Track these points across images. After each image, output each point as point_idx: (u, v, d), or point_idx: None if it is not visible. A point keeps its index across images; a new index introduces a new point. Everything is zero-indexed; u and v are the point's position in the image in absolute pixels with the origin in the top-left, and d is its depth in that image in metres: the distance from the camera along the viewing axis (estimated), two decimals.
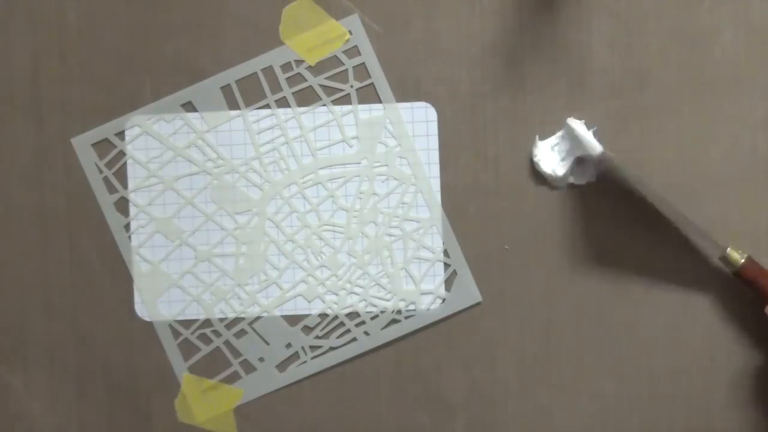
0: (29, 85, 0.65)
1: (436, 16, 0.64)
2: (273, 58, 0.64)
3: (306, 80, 0.65)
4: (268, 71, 0.65)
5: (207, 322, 0.65)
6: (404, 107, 0.64)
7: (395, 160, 0.64)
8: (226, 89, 0.65)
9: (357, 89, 0.64)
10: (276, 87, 0.65)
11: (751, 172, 0.63)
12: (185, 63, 0.65)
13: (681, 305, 0.64)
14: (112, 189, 0.65)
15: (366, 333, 0.65)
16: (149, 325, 0.65)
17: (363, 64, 0.64)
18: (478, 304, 0.64)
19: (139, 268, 0.65)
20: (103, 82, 0.65)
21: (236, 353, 0.65)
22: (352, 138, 0.65)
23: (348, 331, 0.65)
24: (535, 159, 0.63)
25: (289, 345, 0.65)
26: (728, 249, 0.61)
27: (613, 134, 0.63)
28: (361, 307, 0.65)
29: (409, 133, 0.64)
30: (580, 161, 0.63)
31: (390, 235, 0.65)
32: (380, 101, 0.64)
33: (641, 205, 0.62)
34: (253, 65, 0.64)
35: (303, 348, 0.65)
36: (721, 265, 0.61)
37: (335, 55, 0.64)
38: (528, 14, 0.64)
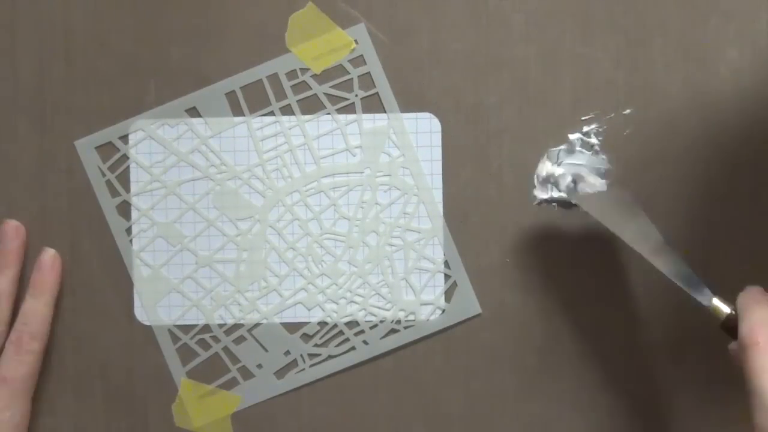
0: (34, 87, 0.65)
1: (442, 27, 0.64)
2: (278, 65, 0.64)
3: (311, 88, 0.64)
4: (273, 78, 0.64)
5: (206, 328, 0.65)
6: (408, 117, 0.64)
7: (398, 170, 0.64)
8: (230, 95, 0.65)
9: (362, 98, 0.64)
10: (281, 94, 0.64)
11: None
12: (190, 68, 0.64)
13: (682, 320, 0.64)
14: (114, 192, 0.65)
15: (365, 342, 0.65)
16: (148, 329, 0.65)
17: (368, 73, 0.64)
18: (477, 315, 0.64)
19: (139, 272, 0.65)
20: (107, 85, 0.65)
21: (235, 359, 0.65)
22: (356, 147, 0.65)
23: (347, 339, 0.65)
24: (538, 173, 0.63)
25: (287, 352, 0.65)
26: (714, 299, 0.55)
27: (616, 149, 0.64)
28: (360, 316, 0.65)
29: (413, 144, 0.64)
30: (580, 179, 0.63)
31: (391, 245, 0.65)
32: (384, 111, 0.64)
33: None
34: (258, 72, 0.64)
35: (302, 356, 0.65)
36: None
37: (341, 64, 0.64)
38: (534, 27, 0.64)
